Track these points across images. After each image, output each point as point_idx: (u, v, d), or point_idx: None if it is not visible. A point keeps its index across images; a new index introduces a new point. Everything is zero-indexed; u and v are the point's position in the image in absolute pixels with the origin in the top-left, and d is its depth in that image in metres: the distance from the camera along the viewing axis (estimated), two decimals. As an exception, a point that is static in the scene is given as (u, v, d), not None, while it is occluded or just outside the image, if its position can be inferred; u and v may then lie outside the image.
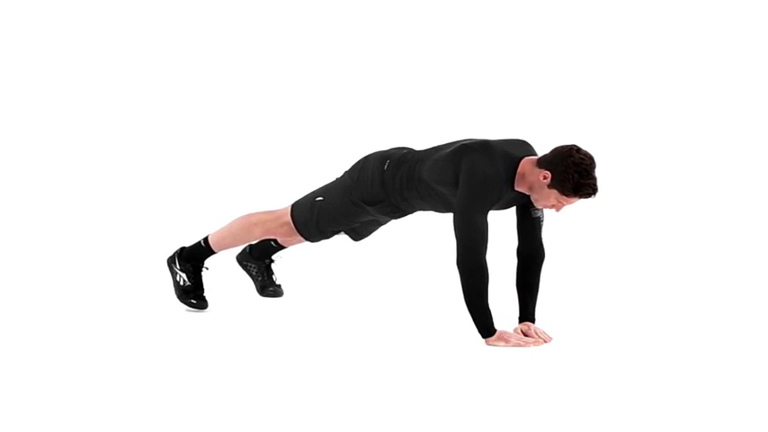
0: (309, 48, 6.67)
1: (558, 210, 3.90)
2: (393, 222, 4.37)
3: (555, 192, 3.82)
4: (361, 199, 4.18)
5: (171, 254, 4.51)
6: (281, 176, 6.27)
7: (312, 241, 4.34)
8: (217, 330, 4.18)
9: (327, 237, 4.32)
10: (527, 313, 4.01)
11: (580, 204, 3.92)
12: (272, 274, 4.68)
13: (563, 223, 4.69)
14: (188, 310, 4.47)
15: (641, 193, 6.23)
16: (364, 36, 6.65)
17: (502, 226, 4.18)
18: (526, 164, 3.91)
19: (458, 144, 4.02)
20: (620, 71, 6.60)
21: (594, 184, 3.79)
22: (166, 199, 6.31)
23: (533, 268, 4.04)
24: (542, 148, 3.97)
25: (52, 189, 6.39)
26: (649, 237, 5.96)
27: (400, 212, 4.23)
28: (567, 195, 3.81)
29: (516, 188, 3.92)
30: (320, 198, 4.25)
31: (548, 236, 4.11)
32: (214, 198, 6.23)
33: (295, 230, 4.30)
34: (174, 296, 4.48)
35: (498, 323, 3.89)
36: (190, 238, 4.55)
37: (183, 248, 4.49)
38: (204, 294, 4.48)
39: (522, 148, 4.00)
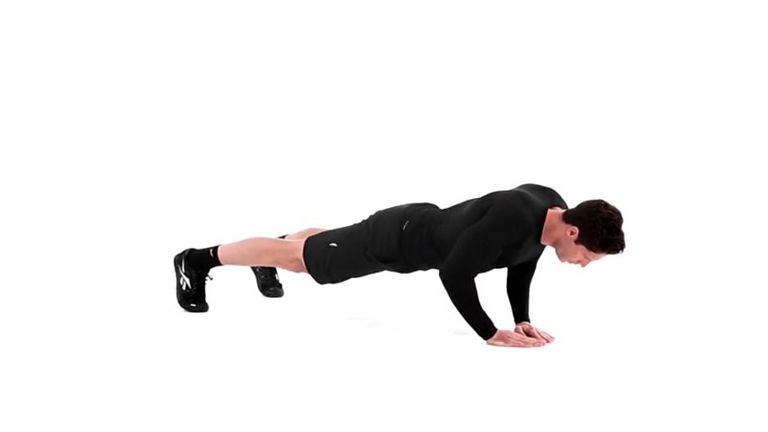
0: (320, 54, 6.72)
1: (584, 265, 3.84)
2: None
3: (582, 247, 3.78)
4: (376, 256, 4.10)
5: (179, 253, 4.45)
6: (289, 180, 6.31)
7: (320, 283, 4.27)
8: (216, 330, 4.17)
9: (335, 282, 4.26)
10: (524, 314, 4.02)
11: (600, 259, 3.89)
12: (275, 273, 4.67)
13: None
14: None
15: (640, 193, 6.23)
16: (375, 45, 6.70)
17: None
18: (553, 217, 3.83)
19: (483, 196, 3.94)
20: (619, 74, 6.61)
21: (622, 240, 3.75)
22: (172, 199, 6.33)
23: (528, 270, 4.03)
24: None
25: (61, 190, 6.44)
26: (648, 236, 5.95)
27: (413, 270, 4.17)
28: (594, 251, 3.77)
29: (542, 241, 3.86)
30: (334, 245, 4.17)
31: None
32: (220, 199, 6.26)
33: (304, 268, 4.24)
34: (176, 298, 4.47)
35: (498, 323, 3.90)
36: (194, 239, 4.55)
37: (192, 251, 4.42)
38: (205, 299, 4.44)
39: (549, 197, 3.93)
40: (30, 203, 6.31)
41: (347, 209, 5.94)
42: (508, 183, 5.55)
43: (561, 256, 3.85)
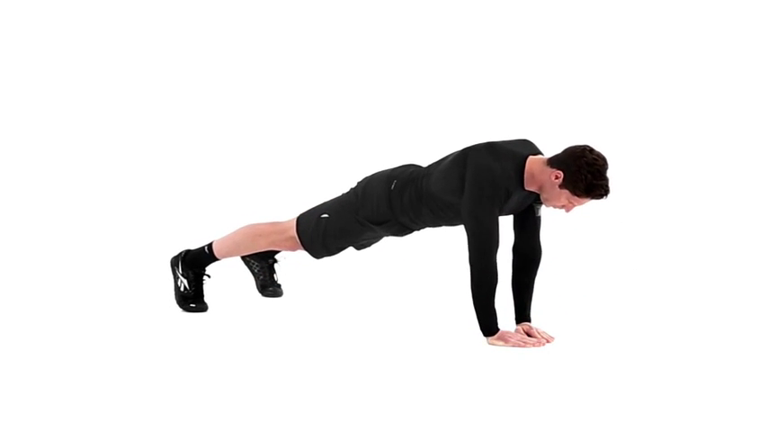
0: (317, 52, 6.72)
1: (568, 210, 3.88)
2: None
3: (566, 192, 3.80)
4: (367, 219, 4.14)
5: (175, 255, 4.47)
6: (286, 178, 6.30)
7: (317, 258, 4.29)
8: (216, 330, 4.18)
9: (332, 254, 4.28)
10: (525, 313, 4.01)
11: (584, 204, 3.91)
12: (275, 273, 4.66)
13: (563, 222, 4.68)
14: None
15: (641, 193, 6.23)
16: (371, 41, 6.70)
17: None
18: (534, 162, 3.88)
19: (461, 149, 4.00)
20: (620, 72, 6.61)
21: (606, 185, 3.78)
22: (171, 200, 6.34)
23: (531, 268, 4.02)
24: (548, 148, 3.96)
25: (62, 192, 6.45)
26: (649, 236, 5.95)
27: (407, 231, 4.20)
28: (578, 196, 3.80)
29: (526, 187, 3.89)
30: (325, 215, 4.21)
31: (549, 235, 4.11)
32: (218, 199, 6.26)
33: (300, 245, 4.27)
34: (174, 300, 4.47)
35: (500, 323, 3.90)
36: (194, 239, 4.54)
37: (187, 252, 4.45)
38: (204, 298, 4.45)
39: (527, 146, 3.98)
40: (27, 205, 6.31)
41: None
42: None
43: (546, 200, 3.90)
